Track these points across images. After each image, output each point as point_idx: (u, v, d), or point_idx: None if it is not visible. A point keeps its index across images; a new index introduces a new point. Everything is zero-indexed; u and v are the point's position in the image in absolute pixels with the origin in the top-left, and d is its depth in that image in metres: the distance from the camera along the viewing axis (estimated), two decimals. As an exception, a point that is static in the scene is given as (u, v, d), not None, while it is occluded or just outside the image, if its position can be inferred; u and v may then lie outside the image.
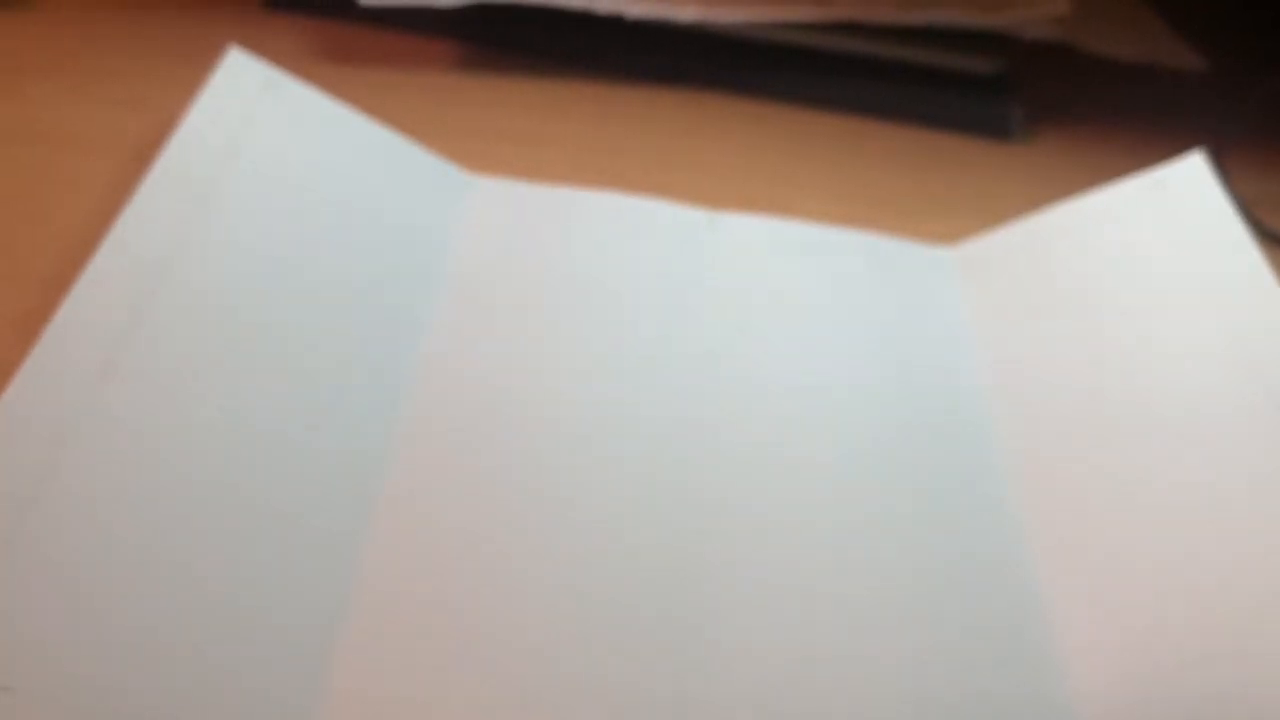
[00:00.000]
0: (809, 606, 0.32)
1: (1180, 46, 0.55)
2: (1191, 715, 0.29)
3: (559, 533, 0.33)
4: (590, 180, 0.47)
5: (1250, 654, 0.29)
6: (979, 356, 0.41)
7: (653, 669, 0.30)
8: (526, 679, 0.29)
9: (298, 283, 0.36)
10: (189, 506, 0.30)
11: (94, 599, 0.27)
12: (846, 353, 0.40)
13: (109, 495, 0.29)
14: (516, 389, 0.37)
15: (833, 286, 0.42)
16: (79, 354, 0.31)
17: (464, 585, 0.31)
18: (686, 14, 0.49)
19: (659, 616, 0.31)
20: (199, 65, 0.43)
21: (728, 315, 0.40)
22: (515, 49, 0.53)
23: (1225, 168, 0.50)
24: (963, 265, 0.44)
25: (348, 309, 0.37)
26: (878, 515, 0.35)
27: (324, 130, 0.42)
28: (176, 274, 0.34)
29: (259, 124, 0.40)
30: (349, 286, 0.38)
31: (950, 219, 0.48)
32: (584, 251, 0.42)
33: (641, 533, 0.33)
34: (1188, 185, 0.41)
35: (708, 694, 0.30)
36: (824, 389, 0.38)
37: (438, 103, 0.50)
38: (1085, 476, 0.35)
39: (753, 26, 0.51)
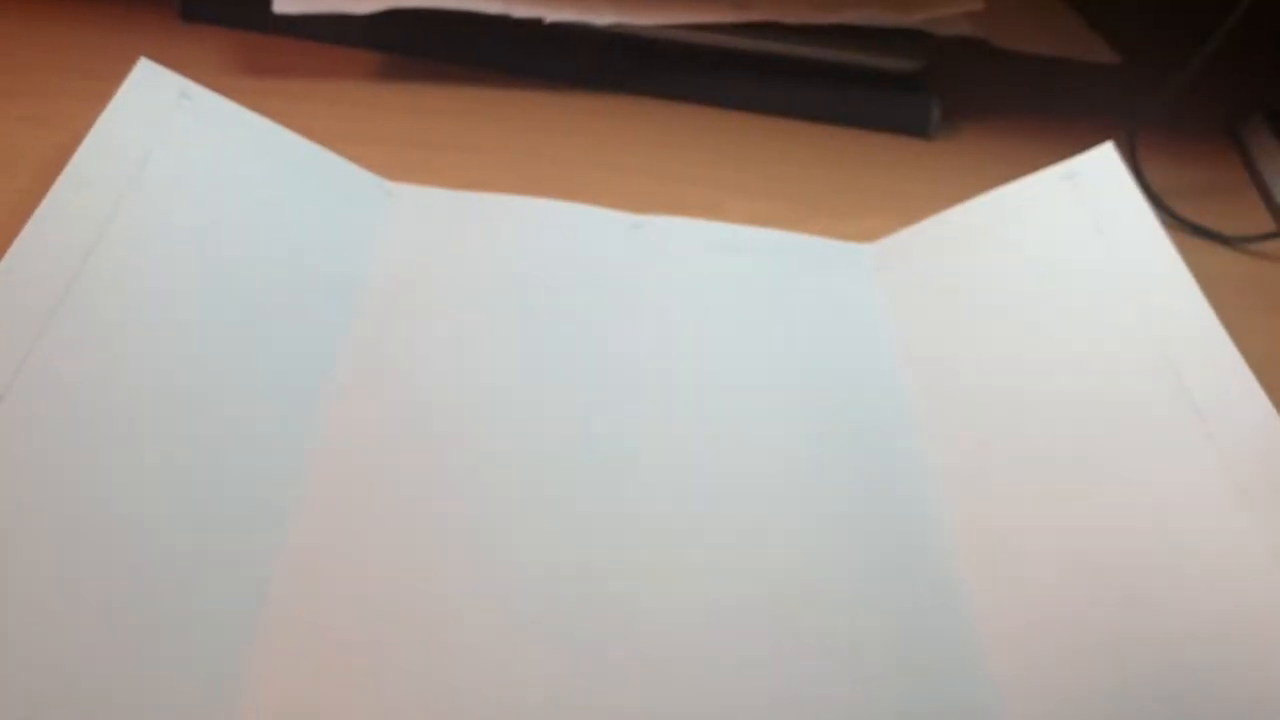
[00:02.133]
0: (728, 609, 0.32)
1: (1094, 40, 0.56)
2: (1107, 696, 0.29)
3: (479, 540, 0.33)
4: (513, 186, 0.46)
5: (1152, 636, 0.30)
6: (897, 352, 0.41)
7: (573, 680, 0.30)
8: (447, 689, 0.29)
9: (212, 293, 0.36)
10: (104, 491, 0.29)
11: (9, 569, 0.27)
12: (767, 351, 0.40)
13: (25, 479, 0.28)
14: (438, 395, 0.36)
15: (753, 287, 0.42)
16: None
17: (385, 588, 0.31)
18: (603, 18, 0.49)
19: (580, 625, 0.31)
20: (110, 79, 0.43)
21: (651, 318, 0.40)
22: (433, 57, 0.52)
23: (1138, 159, 0.51)
24: (880, 262, 0.44)
25: (264, 318, 0.36)
26: (799, 515, 0.35)
27: (240, 140, 0.41)
28: (82, 286, 0.33)
29: (171, 134, 0.39)
30: (266, 295, 0.37)
31: (872, 216, 0.48)
32: (506, 257, 0.42)
33: (561, 540, 0.33)
34: (1099, 176, 0.42)
35: (629, 701, 0.30)
36: (745, 389, 0.38)
37: (356, 113, 0.50)
38: (1003, 469, 0.36)
39: (670, 28, 0.51)
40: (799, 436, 0.37)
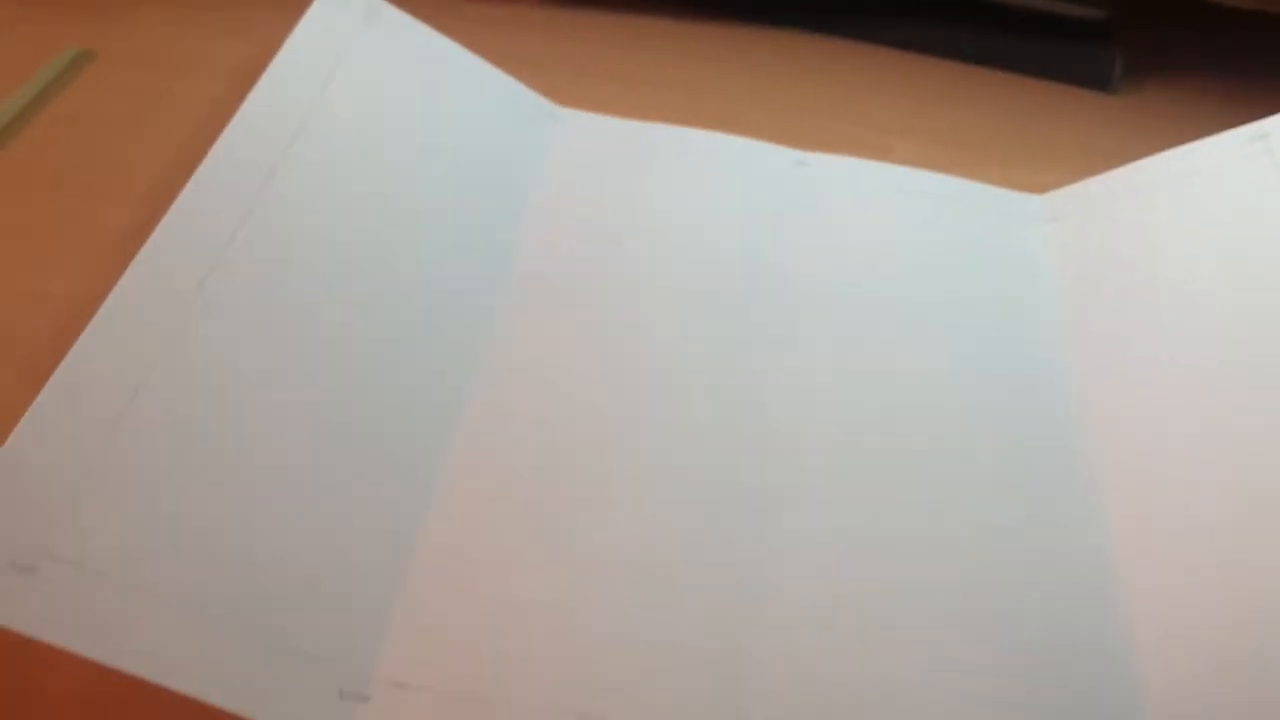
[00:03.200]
0: (868, 551, 0.32)
1: (1295, -4, 0.53)
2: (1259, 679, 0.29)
3: (623, 465, 0.33)
4: (679, 118, 0.47)
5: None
6: (1062, 306, 0.40)
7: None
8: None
9: (390, 205, 0.37)
10: (275, 409, 0.31)
11: (191, 492, 0.28)
12: (929, 299, 0.39)
13: (203, 397, 0.30)
14: (596, 321, 0.37)
15: (920, 230, 0.42)
16: (176, 268, 0.32)
17: (542, 489, 0.32)
18: (784, -47, 0.49)
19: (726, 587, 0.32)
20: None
21: (812, 256, 0.40)
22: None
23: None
24: (1052, 215, 0.43)
25: (438, 232, 0.38)
26: (953, 470, 0.34)
27: (421, 58, 0.43)
28: (272, 193, 0.35)
29: (358, 50, 0.41)
30: (439, 211, 0.38)
31: (1045, 169, 0.47)
32: (669, 187, 0.42)
33: (709, 460, 0.34)
34: None
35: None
36: (905, 333, 0.38)
37: (531, 37, 0.51)
38: (1160, 430, 0.35)
39: (851, -33, 0.50)
40: (958, 387, 0.37)
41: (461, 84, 0.43)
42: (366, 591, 0.29)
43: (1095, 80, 0.51)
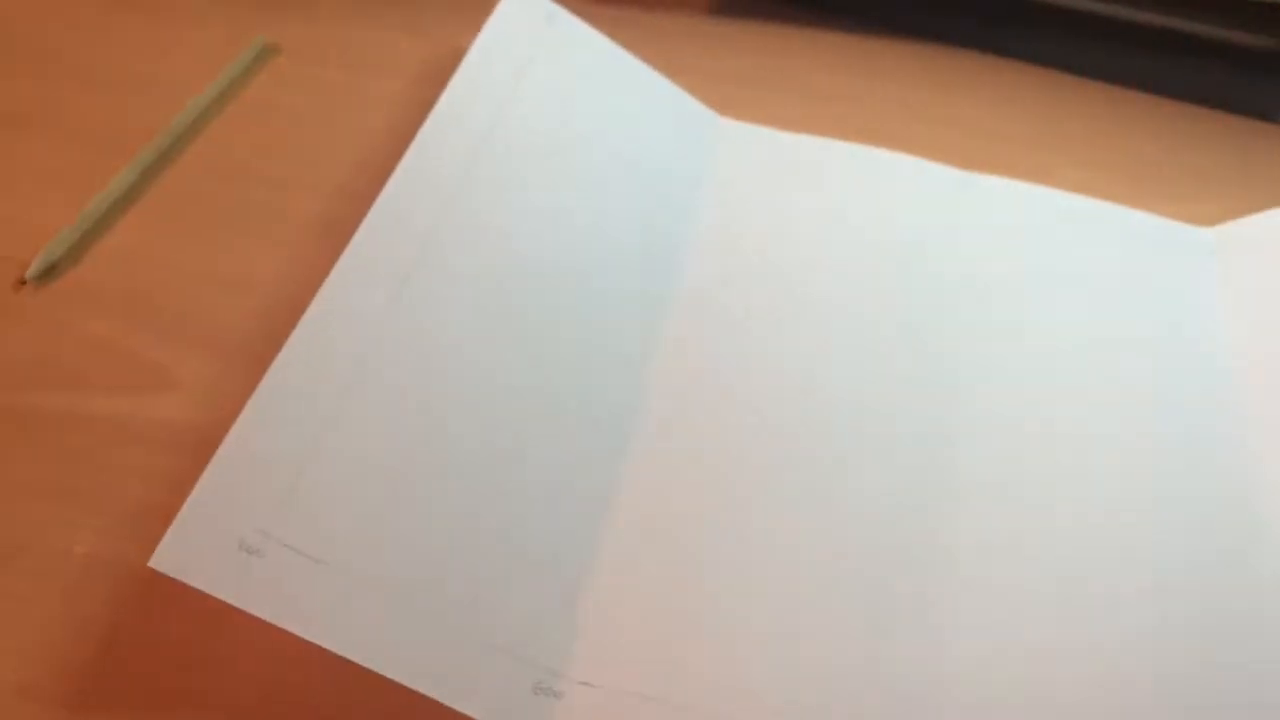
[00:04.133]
0: (1031, 588, 0.33)
1: None
2: None
3: (799, 479, 0.34)
4: (839, 131, 0.47)
5: None
6: (1231, 342, 0.40)
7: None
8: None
9: (568, 214, 0.38)
10: (473, 407, 0.32)
11: (403, 483, 0.30)
12: (1097, 329, 0.39)
13: (408, 393, 0.31)
14: (760, 337, 0.38)
15: (1086, 260, 0.42)
16: (382, 263, 0.34)
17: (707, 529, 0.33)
18: (954, -29, 0.49)
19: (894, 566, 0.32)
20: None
21: (975, 279, 0.41)
22: (777, -3, 0.53)
23: None
24: (1219, 248, 0.43)
25: (612, 243, 0.39)
26: (1118, 503, 0.35)
27: (595, 64, 0.44)
28: (466, 194, 0.36)
29: (541, 55, 0.42)
30: (613, 223, 0.39)
31: (1209, 200, 0.47)
32: (828, 204, 0.43)
33: (878, 480, 0.34)
34: None
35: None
36: (1071, 365, 0.38)
37: (694, 45, 0.51)
38: None
39: (1019, -12, 0.50)
40: (1124, 420, 0.37)
41: (633, 92, 0.44)
42: (560, 590, 0.30)
43: (1260, 110, 0.51)
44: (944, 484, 0.34)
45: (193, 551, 0.27)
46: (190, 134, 0.43)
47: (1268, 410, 0.37)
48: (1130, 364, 0.38)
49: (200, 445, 0.33)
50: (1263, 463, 0.36)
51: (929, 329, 0.39)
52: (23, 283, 0.37)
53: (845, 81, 0.50)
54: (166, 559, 0.26)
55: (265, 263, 0.39)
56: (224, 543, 0.27)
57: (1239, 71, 0.51)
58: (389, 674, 0.27)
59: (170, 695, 0.28)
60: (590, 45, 0.44)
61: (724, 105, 0.47)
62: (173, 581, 0.26)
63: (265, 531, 0.27)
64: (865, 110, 0.49)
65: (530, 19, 0.43)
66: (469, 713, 0.27)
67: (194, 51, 0.47)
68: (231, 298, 0.37)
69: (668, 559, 0.31)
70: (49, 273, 0.37)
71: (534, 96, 0.41)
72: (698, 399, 0.36)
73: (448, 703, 0.27)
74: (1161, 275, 0.42)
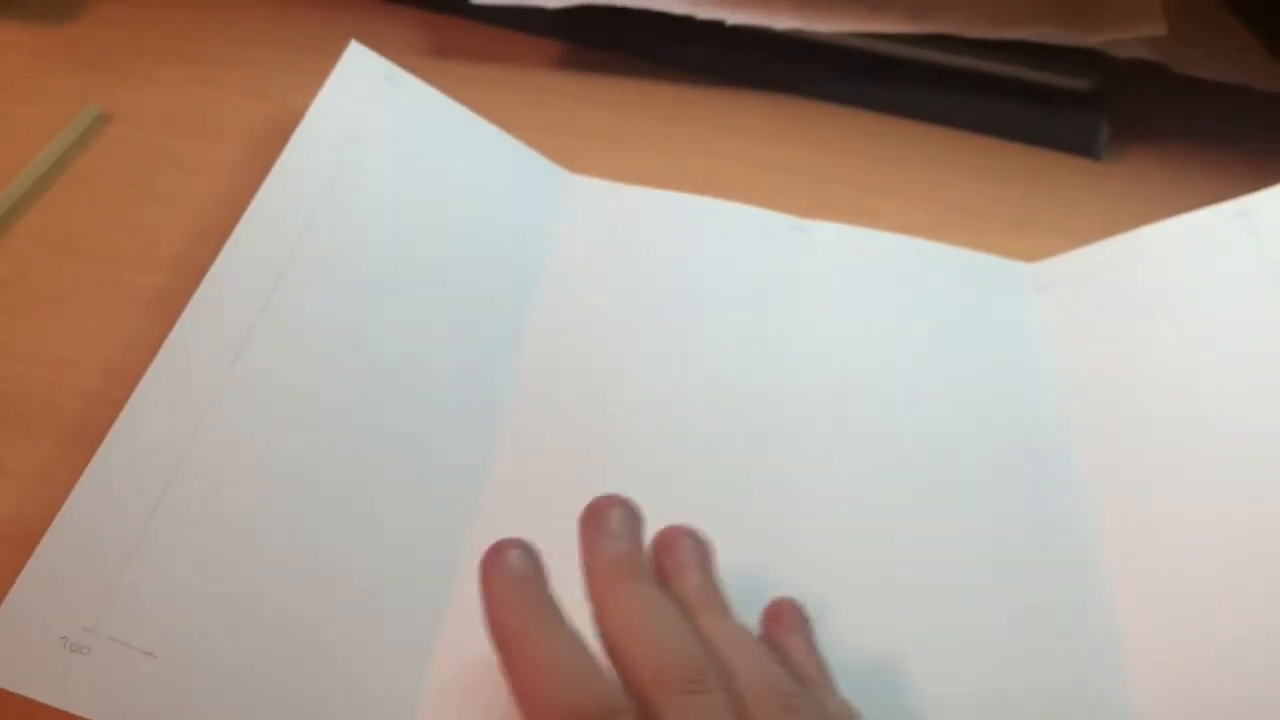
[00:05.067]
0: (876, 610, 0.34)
1: (1276, 69, 0.55)
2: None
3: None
4: (680, 179, 0.48)
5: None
6: (1053, 374, 0.42)
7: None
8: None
9: (411, 273, 0.39)
10: (308, 483, 0.32)
11: (232, 568, 0.30)
12: (925, 364, 0.41)
13: (241, 472, 0.31)
14: (607, 384, 0.39)
15: (914, 299, 0.44)
16: (215, 333, 0.34)
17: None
18: (784, 22, 0.51)
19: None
20: (317, 54, 0.45)
21: (808, 323, 0.42)
22: (616, 49, 0.54)
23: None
24: (1041, 284, 0.45)
25: (456, 300, 0.39)
26: (956, 548, 0.36)
27: (436, 123, 0.44)
28: (301, 263, 0.36)
29: (378, 116, 0.42)
30: (457, 278, 0.40)
31: (1033, 235, 0.49)
32: (675, 254, 0.44)
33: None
34: (1272, 214, 0.42)
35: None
36: (901, 400, 0.40)
37: (539, 99, 0.52)
38: (1169, 516, 0.36)
39: (849, 36, 0.52)
40: (951, 450, 0.38)
41: (476, 149, 0.44)
42: (400, 666, 0.30)
43: (1082, 147, 0.53)
44: (781, 535, 0.35)
45: (13, 652, 0.26)
46: (19, 208, 0.42)
47: (1094, 440, 0.39)
48: (962, 399, 0.40)
49: (26, 538, 0.32)
50: (1092, 492, 0.38)
51: (766, 374, 0.40)
52: None
53: (683, 131, 0.52)
54: None
55: (95, 342, 0.38)
56: (47, 641, 0.27)
57: (1062, 111, 0.53)
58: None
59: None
60: (431, 104, 0.44)
61: (572, 158, 0.48)
62: (-8, 686, 0.26)
63: (90, 627, 0.27)
64: (702, 158, 0.50)
65: (368, 79, 0.43)
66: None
67: (22, 122, 0.46)
68: (61, 379, 0.37)
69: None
70: None
71: (373, 157, 0.41)
72: (545, 446, 0.36)
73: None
74: (986, 311, 0.44)
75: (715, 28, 0.51)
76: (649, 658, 0.25)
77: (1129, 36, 0.50)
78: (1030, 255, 0.47)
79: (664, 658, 0.25)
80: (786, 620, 0.30)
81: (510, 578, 0.27)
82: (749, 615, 0.31)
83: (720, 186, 0.48)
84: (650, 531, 0.31)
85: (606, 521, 0.28)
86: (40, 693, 0.26)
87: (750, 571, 0.34)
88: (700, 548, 0.30)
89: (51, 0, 0.52)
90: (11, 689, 0.25)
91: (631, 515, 0.29)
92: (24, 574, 0.27)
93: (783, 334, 0.41)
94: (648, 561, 0.29)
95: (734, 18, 0.50)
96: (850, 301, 0.43)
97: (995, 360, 0.42)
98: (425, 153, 0.43)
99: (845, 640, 0.33)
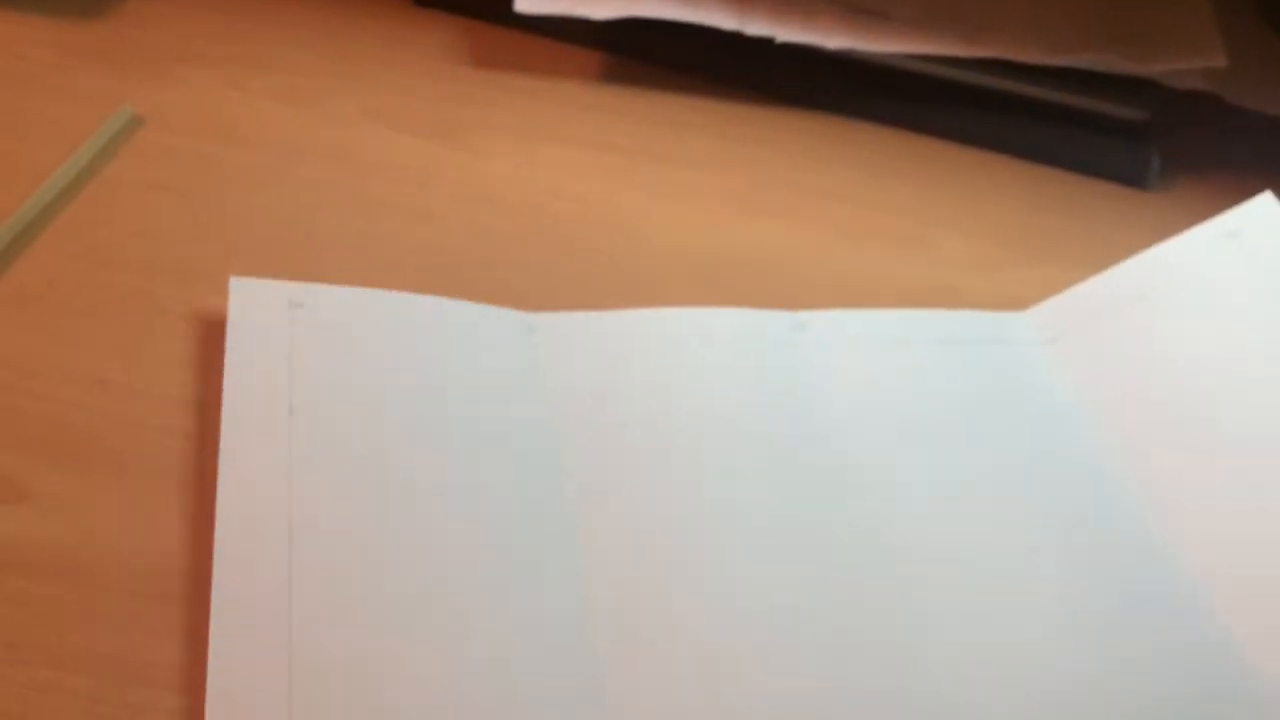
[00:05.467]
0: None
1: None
2: None
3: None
4: (715, 202, 0.47)
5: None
6: (1079, 419, 0.40)
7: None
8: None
9: (407, 467, 0.36)
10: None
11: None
12: (961, 450, 0.39)
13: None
14: (658, 500, 0.36)
15: (927, 377, 0.42)
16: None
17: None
18: (835, 41, 0.49)
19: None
20: (351, 61, 0.44)
21: (825, 418, 0.40)
22: (659, 63, 0.53)
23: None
24: (1042, 331, 0.44)
25: (472, 476, 0.36)
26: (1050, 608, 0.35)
27: (371, 325, 0.39)
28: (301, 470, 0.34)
29: (295, 353, 0.37)
30: (464, 455, 0.36)
31: (1082, 264, 0.47)
32: (670, 377, 0.40)
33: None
34: (1263, 230, 0.41)
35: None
36: (948, 499, 0.38)
37: (574, 113, 0.51)
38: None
39: (899, 57, 0.51)
40: (1005, 519, 0.37)
41: (424, 329, 0.39)
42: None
43: (1132, 178, 0.52)
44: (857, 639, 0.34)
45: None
46: (46, 215, 0.41)
47: (1131, 481, 0.38)
48: (1007, 468, 0.39)
49: (50, 563, 0.31)
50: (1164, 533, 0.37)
51: (790, 477, 0.38)
52: None
53: (725, 150, 0.50)
54: None
55: (126, 359, 0.37)
56: None
57: (1113, 140, 0.52)
58: None
59: None
60: (355, 308, 0.39)
61: (613, 176, 0.47)
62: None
63: None
64: (740, 180, 0.49)
65: (270, 315, 0.38)
66: None
67: (51, 124, 0.45)
68: (87, 399, 0.36)
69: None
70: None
71: (317, 400, 0.36)
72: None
73: None
74: (1001, 375, 0.42)
75: (763, 44, 0.50)
76: None
77: (1188, 67, 0.49)
78: (1072, 285, 0.46)
79: None
80: None
81: None
82: None
83: (757, 207, 0.47)
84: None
85: None
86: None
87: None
88: None
89: (79, -5, 0.50)
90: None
91: None
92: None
93: (804, 440, 0.39)
94: None
95: (784, 35, 0.49)
96: (860, 390, 0.40)
97: (1024, 417, 0.41)
98: (370, 362, 0.38)
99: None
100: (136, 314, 0.38)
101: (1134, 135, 0.52)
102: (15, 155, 0.43)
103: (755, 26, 0.49)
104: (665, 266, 0.45)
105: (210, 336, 0.38)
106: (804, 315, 0.43)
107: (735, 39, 0.50)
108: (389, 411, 0.36)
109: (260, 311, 0.37)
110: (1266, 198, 0.41)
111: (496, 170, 0.47)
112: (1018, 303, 0.45)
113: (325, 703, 0.29)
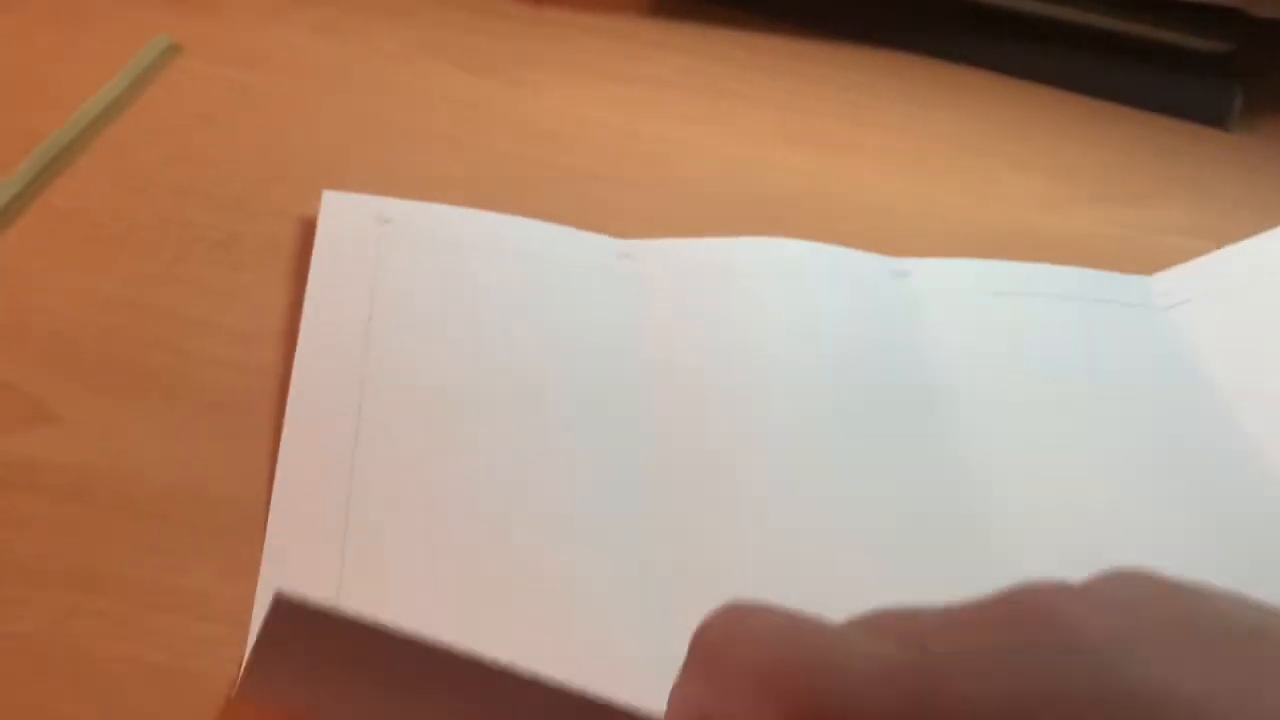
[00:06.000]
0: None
1: None
2: None
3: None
4: (769, 139, 0.45)
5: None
6: (1195, 384, 0.37)
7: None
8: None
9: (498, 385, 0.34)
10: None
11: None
12: (1072, 400, 0.37)
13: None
14: (740, 424, 0.34)
15: (1040, 333, 0.39)
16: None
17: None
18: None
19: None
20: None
21: (925, 366, 0.37)
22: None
23: None
24: (1165, 299, 0.40)
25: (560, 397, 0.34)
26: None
27: (458, 244, 0.38)
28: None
29: (382, 269, 0.36)
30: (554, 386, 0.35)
31: (1159, 205, 0.45)
32: (756, 311, 0.38)
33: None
34: None
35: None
36: (1047, 436, 0.35)
37: (627, 49, 0.49)
38: None
39: (966, -11, 0.48)
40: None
41: (515, 250, 0.38)
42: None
43: (1213, 117, 0.49)
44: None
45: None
46: (83, 140, 0.40)
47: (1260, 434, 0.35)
48: (1126, 420, 0.36)
49: (83, 489, 0.30)
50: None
51: (893, 433, 0.35)
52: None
53: (788, 87, 0.48)
54: None
55: (159, 285, 0.35)
56: None
57: (1193, 77, 0.49)
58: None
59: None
60: (444, 225, 0.38)
61: (662, 110, 0.45)
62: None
63: None
64: (811, 116, 0.47)
65: (360, 231, 0.37)
66: None
67: (88, 53, 0.43)
68: (118, 324, 0.34)
69: None
70: (-82, 295, 0.34)
71: (396, 318, 0.35)
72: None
73: None
74: (1119, 334, 0.39)
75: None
76: None
77: (1275, -5, 0.47)
78: (1157, 227, 0.43)
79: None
80: None
81: None
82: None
83: (827, 145, 0.45)
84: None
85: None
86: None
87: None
88: None
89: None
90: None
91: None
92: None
93: (909, 394, 0.36)
94: None
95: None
96: (969, 348, 0.37)
97: (1145, 379, 0.38)
98: (453, 282, 0.37)
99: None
100: (171, 239, 0.37)
101: (1216, 71, 0.49)
102: (54, 81, 0.42)
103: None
104: (722, 201, 0.43)
105: (245, 264, 0.36)
106: (905, 262, 0.40)
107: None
108: (472, 328, 0.35)
109: (348, 224, 0.37)
110: None
111: (547, 104, 0.45)
112: (1094, 244, 0.43)
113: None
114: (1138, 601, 0.19)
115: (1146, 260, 0.42)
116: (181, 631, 0.28)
